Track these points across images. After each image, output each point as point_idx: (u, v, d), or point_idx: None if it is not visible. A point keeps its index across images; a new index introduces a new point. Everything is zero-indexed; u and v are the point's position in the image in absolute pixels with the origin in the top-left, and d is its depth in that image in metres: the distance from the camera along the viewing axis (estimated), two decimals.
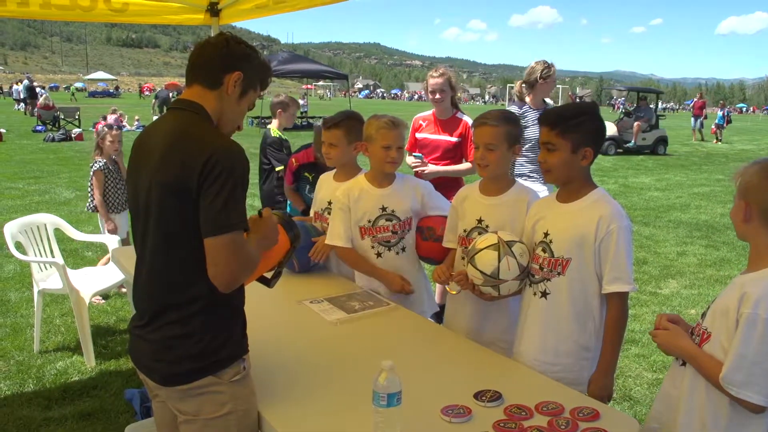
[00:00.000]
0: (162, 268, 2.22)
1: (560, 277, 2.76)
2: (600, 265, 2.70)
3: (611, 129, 22.67)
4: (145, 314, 2.28)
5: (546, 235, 2.84)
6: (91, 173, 6.35)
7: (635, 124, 23.74)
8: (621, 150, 23.54)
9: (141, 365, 2.35)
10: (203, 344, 2.19)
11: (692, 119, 32.57)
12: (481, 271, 2.87)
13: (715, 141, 30.19)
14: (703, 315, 2.32)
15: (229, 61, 2.27)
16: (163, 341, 2.22)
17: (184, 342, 2.19)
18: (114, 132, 6.45)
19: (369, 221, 3.61)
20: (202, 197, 2.06)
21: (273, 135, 6.13)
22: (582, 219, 2.75)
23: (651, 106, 25.76)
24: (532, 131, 5.29)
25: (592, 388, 2.72)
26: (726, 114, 32.16)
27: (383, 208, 3.60)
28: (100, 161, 6.35)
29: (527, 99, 5.69)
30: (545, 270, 2.82)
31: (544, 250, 2.84)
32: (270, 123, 6.45)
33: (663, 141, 24.46)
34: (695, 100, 33.66)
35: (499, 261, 2.83)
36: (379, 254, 3.63)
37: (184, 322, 2.19)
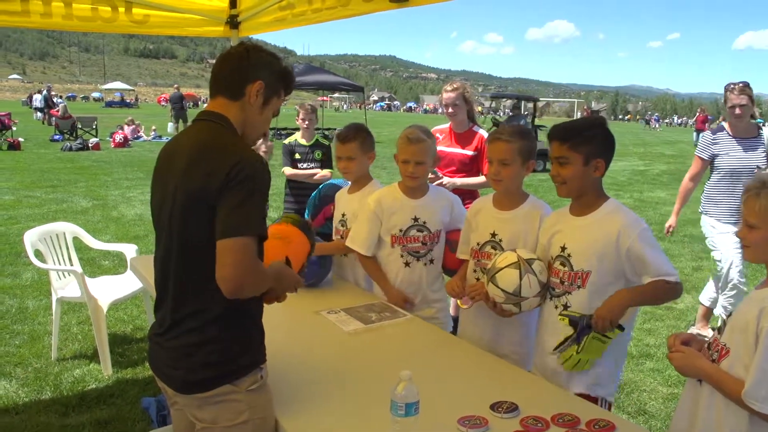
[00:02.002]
0: (183, 276, 2.24)
1: (581, 290, 2.79)
2: (636, 272, 2.73)
3: None
4: (165, 322, 2.31)
5: (563, 249, 2.86)
6: None
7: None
8: None
9: (160, 372, 2.37)
10: (221, 352, 2.22)
11: (694, 134, 32.06)
12: (503, 290, 2.90)
13: None
14: (720, 330, 2.32)
15: (250, 71, 2.31)
16: (182, 349, 2.25)
17: (202, 350, 2.21)
18: (269, 143, 6.47)
19: (400, 230, 3.65)
20: (220, 203, 2.09)
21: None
22: (600, 232, 2.77)
23: (546, 115, 24.66)
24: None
25: (601, 308, 2.72)
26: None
27: (415, 219, 3.64)
28: None
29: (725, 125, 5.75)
30: (566, 284, 2.84)
31: (563, 264, 2.86)
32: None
33: (541, 156, 21.47)
34: (698, 114, 33.27)
35: (521, 279, 2.86)
36: (407, 263, 3.66)
37: (203, 330, 2.21)
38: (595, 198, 2.87)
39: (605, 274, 2.76)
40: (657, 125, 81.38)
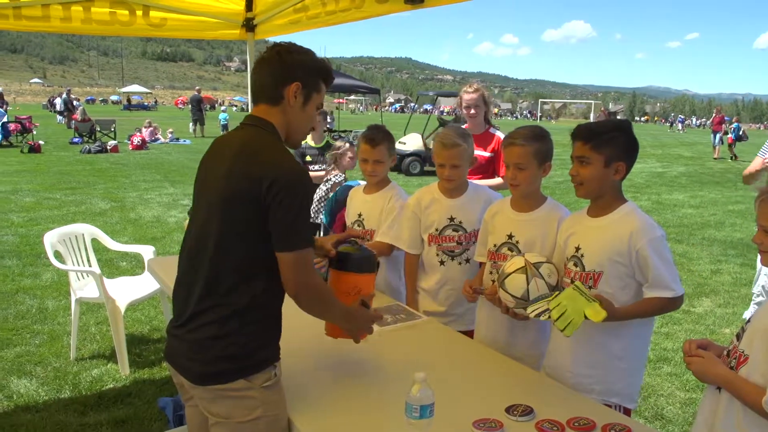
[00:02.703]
0: (210, 272, 2.28)
1: (592, 290, 2.75)
2: (641, 276, 2.71)
3: (417, 143, 19.74)
4: (184, 315, 2.36)
5: (577, 249, 2.85)
6: (329, 186, 6.33)
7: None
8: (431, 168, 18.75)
9: (177, 365, 2.40)
10: (237, 346, 2.26)
11: (712, 135, 31.07)
12: (512, 295, 2.89)
13: (733, 158, 28.84)
14: (738, 336, 2.29)
15: (285, 74, 2.34)
16: (199, 342, 2.29)
17: (219, 342, 2.26)
18: (352, 148, 6.51)
19: (436, 230, 3.68)
20: (272, 215, 2.18)
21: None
22: (613, 233, 2.76)
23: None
24: None
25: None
26: (735, 128, 30.17)
27: (451, 219, 3.66)
28: (339, 174, 6.41)
29: None
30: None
31: (575, 264, 2.85)
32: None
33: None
34: (714, 115, 31.95)
35: (528, 283, 2.84)
36: (442, 262, 3.68)
37: (221, 323, 2.26)
38: (612, 200, 2.84)
39: (617, 276, 2.74)
40: (681, 127, 79.13)
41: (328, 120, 28.26)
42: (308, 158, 6.78)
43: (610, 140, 2.75)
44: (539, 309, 2.69)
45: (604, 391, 2.76)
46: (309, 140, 6.87)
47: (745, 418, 2.16)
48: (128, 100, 77.42)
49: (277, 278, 2.26)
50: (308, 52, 2.41)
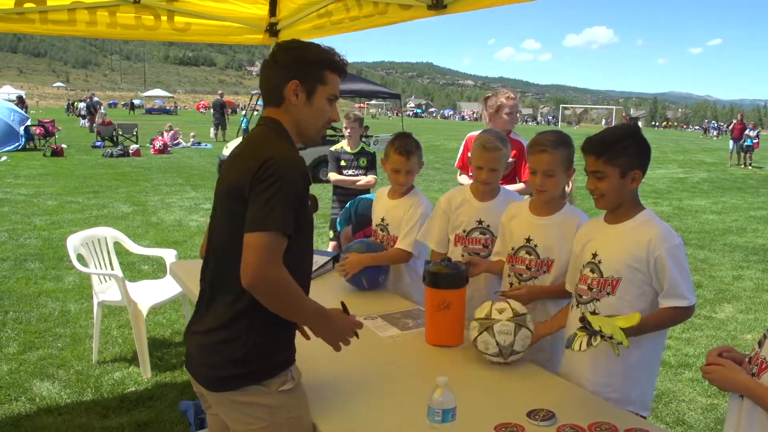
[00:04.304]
0: (216, 271, 2.31)
1: (610, 296, 2.75)
2: (657, 283, 2.69)
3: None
4: (198, 318, 2.37)
5: (594, 255, 2.83)
6: None
7: None
8: None
9: (192, 370, 2.39)
10: (246, 349, 2.22)
11: (731, 142, 29.92)
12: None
13: (743, 166, 27.98)
14: (760, 343, 2.27)
15: (281, 74, 2.32)
16: (209, 345, 2.27)
17: (228, 346, 2.23)
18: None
19: (464, 231, 3.70)
20: (250, 199, 2.14)
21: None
22: (632, 241, 2.74)
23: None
24: None
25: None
26: (757, 135, 29.00)
27: (479, 221, 3.67)
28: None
29: None
30: (594, 290, 2.81)
31: (592, 271, 2.83)
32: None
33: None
34: (735, 122, 30.59)
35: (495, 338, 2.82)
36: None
37: (229, 326, 2.23)
38: (630, 207, 2.82)
39: (635, 283, 2.72)
40: (717, 134, 74.75)
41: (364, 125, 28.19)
42: (342, 163, 6.89)
43: (622, 150, 2.72)
44: (581, 340, 2.54)
45: (620, 400, 2.73)
46: (345, 146, 7.00)
47: None
48: (131, 105, 76.99)
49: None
50: (308, 46, 2.37)
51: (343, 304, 2.51)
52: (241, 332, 2.22)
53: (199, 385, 2.37)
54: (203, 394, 2.40)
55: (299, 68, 2.32)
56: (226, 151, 17.96)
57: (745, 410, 2.22)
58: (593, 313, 2.77)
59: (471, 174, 5.22)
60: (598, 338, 2.47)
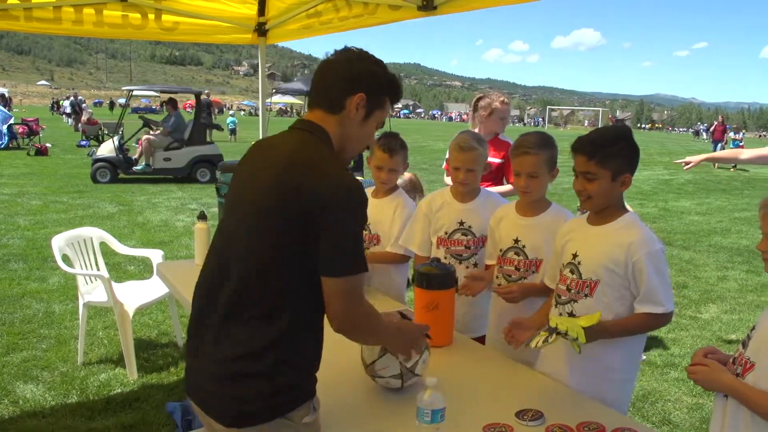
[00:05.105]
0: (245, 290, 2.05)
1: (588, 298, 2.73)
2: (635, 288, 2.66)
3: (110, 148, 16.75)
4: (207, 337, 2.12)
5: (575, 256, 2.82)
6: None
7: (145, 138, 17.35)
8: (127, 176, 16.79)
9: (202, 400, 2.15)
10: (279, 381, 2.02)
11: (712, 144, 29.81)
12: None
13: (732, 168, 27.62)
14: (744, 344, 2.29)
15: (352, 82, 2.13)
16: (235, 376, 2.02)
17: (259, 378, 2.01)
18: (413, 179, 6.39)
19: (446, 233, 3.69)
20: (324, 234, 1.96)
21: None
22: (612, 243, 2.71)
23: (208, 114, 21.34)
24: None
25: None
26: (741, 138, 29.02)
27: (461, 223, 3.67)
28: None
29: None
30: (572, 291, 2.79)
31: (572, 272, 2.81)
32: None
33: (215, 161, 16.64)
34: (716, 123, 30.54)
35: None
36: None
37: (262, 355, 2.00)
38: (614, 209, 2.79)
39: (613, 287, 2.69)
40: (707, 136, 76.24)
41: None
42: None
43: (615, 153, 2.68)
44: (538, 339, 2.56)
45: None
46: None
47: (752, 425, 2.17)
48: (110, 104, 76.08)
49: (319, 303, 2.05)
50: (380, 63, 2.20)
51: (402, 313, 2.51)
52: (274, 362, 2.01)
53: (210, 418, 2.10)
54: (213, 426, 2.11)
55: (370, 83, 2.16)
56: (101, 151, 16.77)
57: (729, 410, 2.26)
58: (570, 314, 2.77)
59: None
60: (554, 336, 2.51)
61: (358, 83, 2.13)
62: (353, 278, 2.01)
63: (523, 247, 3.27)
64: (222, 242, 2.21)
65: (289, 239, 1.99)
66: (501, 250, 3.35)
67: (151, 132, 17.74)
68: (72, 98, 38.48)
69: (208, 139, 19.32)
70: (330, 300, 2.01)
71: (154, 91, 25.76)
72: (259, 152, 2.25)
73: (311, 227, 1.96)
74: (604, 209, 2.80)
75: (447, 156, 3.76)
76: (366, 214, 2.13)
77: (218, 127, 25.31)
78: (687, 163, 5.03)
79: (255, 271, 2.04)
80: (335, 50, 2.24)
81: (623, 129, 2.83)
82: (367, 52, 2.20)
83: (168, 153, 16.87)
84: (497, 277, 3.38)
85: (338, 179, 2.01)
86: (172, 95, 18.78)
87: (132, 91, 20.71)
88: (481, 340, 3.48)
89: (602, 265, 2.70)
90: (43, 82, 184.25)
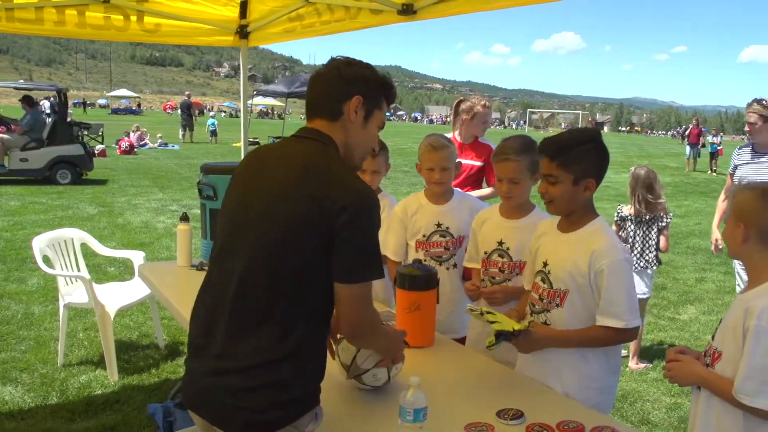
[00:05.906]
0: (257, 299, 2.04)
1: (559, 308, 2.70)
2: (598, 298, 2.61)
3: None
4: (213, 347, 2.09)
5: (545, 265, 2.78)
6: None
7: None
8: None
9: (210, 412, 2.10)
10: (294, 390, 2.03)
11: (687, 147, 29.71)
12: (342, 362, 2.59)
13: (709, 172, 27.66)
14: (713, 336, 2.38)
15: (345, 87, 2.17)
16: (251, 387, 2.00)
17: (276, 387, 2.00)
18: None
19: (424, 236, 3.70)
20: (342, 242, 1.98)
21: None
22: (577, 251, 2.65)
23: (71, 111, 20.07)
24: None
25: (533, 341, 2.66)
26: (720, 142, 29.02)
27: (438, 225, 3.68)
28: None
29: None
30: (545, 301, 2.76)
31: (543, 281, 2.78)
32: None
33: (78, 162, 16.33)
34: (691, 127, 30.07)
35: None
36: None
37: (280, 365, 2.00)
38: (581, 215, 2.72)
39: (582, 296, 2.65)
40: (681, 140, 76.31)
41: None
42: None
43: (578, 156, 2.60)
44: (477, 311, 2.70)
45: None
46: None
47: (722, 412, 2.27)
48: (83, 104, 74.89)
49: (328, 311, 2.10)
50: (369, 66, 2.25)
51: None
52: (291, 372, 2.01)
53: (216, 428, 2.09)
54: None
55: (363, 85, 2.20)
56: None
57: (702, 400, 2.35)
58: (545, 324, 2.76)
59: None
60: (492, 337, 2.59)
61: (353, 87, 2.17)
62: (368, 284, 2.06)
63: (507, 249, 3.29)
64: (231, 252, 2.15)
65: (309, 248, 2.01)
66: (485, 253, 3.36)
67: (8, 131, 16.86)
68: (52, 98, 38.03)
69: (83, 140, 18.17)
70: (345, 306, 2.05)
71: (10, 87, 24.75)
72: (267, 161, 2.23)
73: (330, 235, 1.98)
74: (570, 214, 2.74)
75: (418, 161, 3.76)
76: (380, 219, 2.15)
77: (87, 126, 23.98)
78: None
79: (274, 281, 2.03)
80: (322, 65, 2.27)
81: (591, 131, 2.77)
82: (353, 59, 2.24)
83: (25, 153, 15.78)
84: (482, 280, 3.40)
85: (355, 186, 2.04)
86: (28, 92, 17.85)
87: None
88: (461, 341, 3.50)
89: (570, 274, 2.66)
90: (22, 82, 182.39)
